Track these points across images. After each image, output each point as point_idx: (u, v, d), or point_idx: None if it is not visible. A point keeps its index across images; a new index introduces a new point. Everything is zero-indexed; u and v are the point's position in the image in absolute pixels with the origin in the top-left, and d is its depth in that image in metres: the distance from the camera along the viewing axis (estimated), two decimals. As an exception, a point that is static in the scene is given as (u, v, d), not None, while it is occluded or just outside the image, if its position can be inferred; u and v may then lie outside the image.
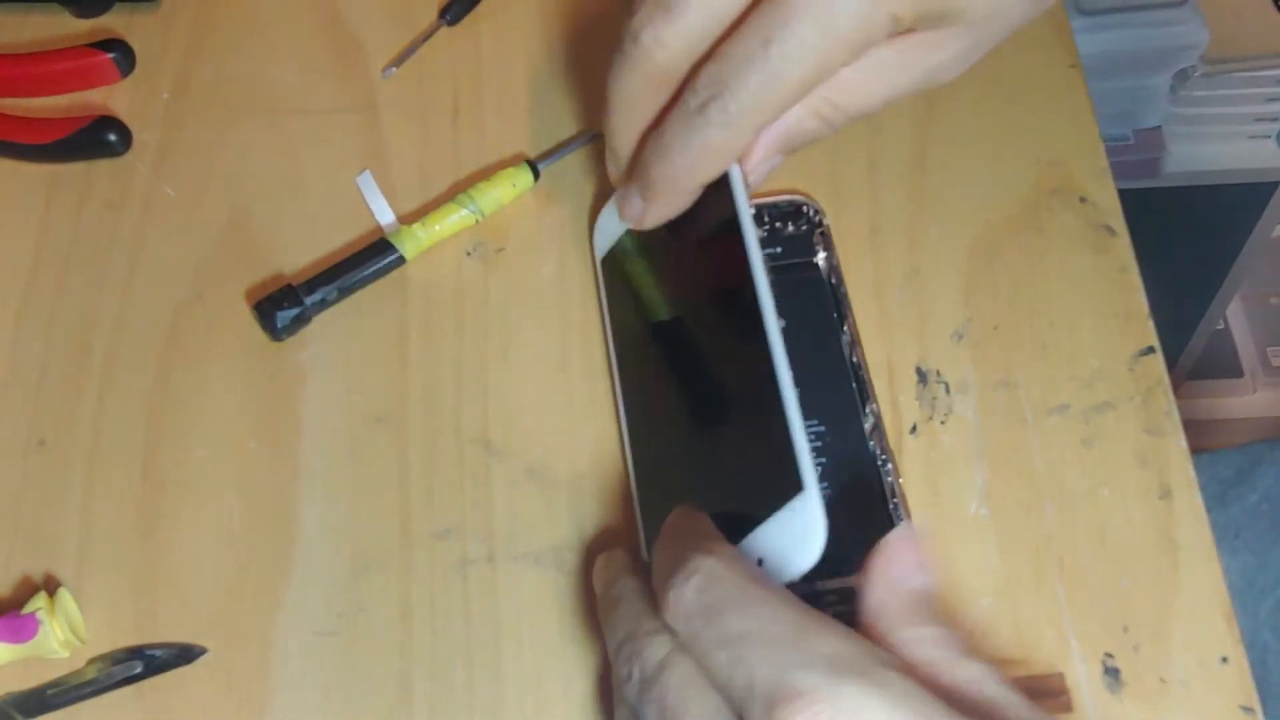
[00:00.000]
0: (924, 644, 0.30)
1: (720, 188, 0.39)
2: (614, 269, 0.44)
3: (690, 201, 0.39)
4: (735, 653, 0.29)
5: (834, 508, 0.35)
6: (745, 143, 0.37)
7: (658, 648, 0.31)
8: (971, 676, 0.30)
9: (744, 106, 0.36)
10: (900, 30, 0.36)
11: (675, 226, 0.41)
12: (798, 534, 0.33)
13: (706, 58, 0.37)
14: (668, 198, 0.39)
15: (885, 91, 0.39)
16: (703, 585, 0.31)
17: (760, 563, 0.34)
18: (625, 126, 0.39)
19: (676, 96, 0.38)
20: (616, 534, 0.40)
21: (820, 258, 0.43)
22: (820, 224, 0.44)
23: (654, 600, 0.33)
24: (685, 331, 0.41)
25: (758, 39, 0.35)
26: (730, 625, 0.30)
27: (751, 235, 0.38)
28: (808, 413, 0.37)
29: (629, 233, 0.42)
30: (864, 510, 0.39)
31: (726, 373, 0.39)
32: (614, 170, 0.41)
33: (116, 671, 0.38)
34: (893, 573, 0.32)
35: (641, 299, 0.42)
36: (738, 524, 0.35)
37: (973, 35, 0.38)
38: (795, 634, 0.29)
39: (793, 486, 0.34)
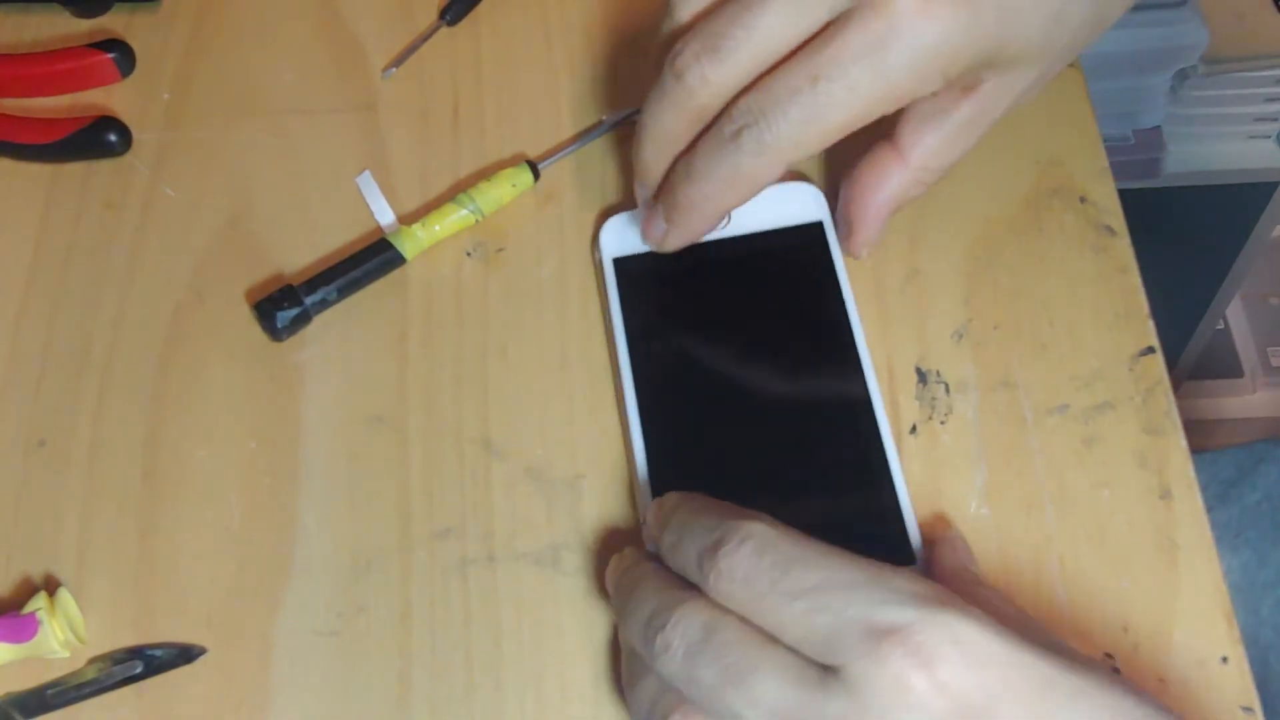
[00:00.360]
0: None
1: (813, 233, 0.42)
2: (640, 275, 0.43)
3: (712, 227, 0.40)
4: (816, 602, 0.30)
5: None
6: (775, 175, 0.37)
7: (698, 612, 0.32)
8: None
9: (780, 139, 0.36)
10: (951, 82, 0.37)
11: (757, 260, 0.41)
12: None
13: (745, 89, 0.37)
14: (692, 221, 0.39)
15: (968, 142, 0.40)
16: (759, 547, 0.31)
17: None
18: (658, 155, 0.39)
19: (710, 124, 0.38)
20: (616, 534, 0.40)
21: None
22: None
23: (674, 578, 0.34)
24: (755, 362, 0.41)
25: (806, 75, 0.35)
26: (802, 578, 0.31)
27: (848, 288, 0.42)
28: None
29: (690, 253, 0.42)
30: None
31: (816, 416, 0.40)
32: (643, 194, 0.41)
33: (116, 671, 0.38)
34: (952, 555, 0.35)
35: (696, 318, 0.42)
36: None
37: (1037, 69, 0.39)
38: (872, 578, 0.31)
39: (901, 555, 0.37)
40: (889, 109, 0.36)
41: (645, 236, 0.41)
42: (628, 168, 0.45)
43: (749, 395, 0.41)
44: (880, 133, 0.40)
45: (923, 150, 0.39)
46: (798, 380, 0.41)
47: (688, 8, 0.38)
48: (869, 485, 0.39)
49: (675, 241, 0.40)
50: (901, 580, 0.30)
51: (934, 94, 0.38)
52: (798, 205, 0.43)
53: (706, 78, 0.37)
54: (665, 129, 0.38)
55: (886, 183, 0.40)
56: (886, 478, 0.39)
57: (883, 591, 0.30)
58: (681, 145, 0.39)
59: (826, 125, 0.36)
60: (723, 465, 0.40)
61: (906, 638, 0.29)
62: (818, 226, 0.43)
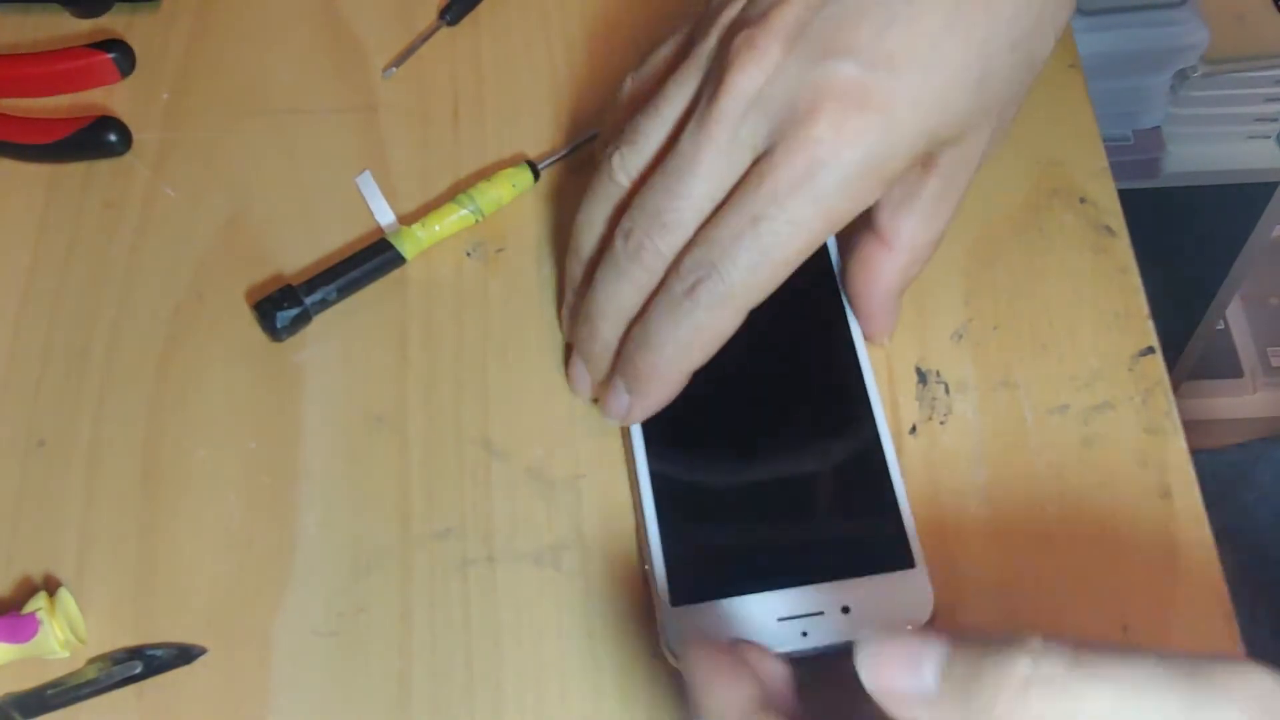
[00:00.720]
0: None
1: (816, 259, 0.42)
2: None
3: (677, 392, 0.39)
4: None
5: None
6: (734, 325, 0.37)
7: None
8: None
9: (734, 286, 0.36)
10: (904, 172, 0.37)
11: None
12: (902, 602, 0.37)
13: (688, 245, 0.37)
14: (657, 390, 0.38)
15: (947, 212, 0.40)
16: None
17: (846, 610, 0.36)
18: (615, 332, 0.39)
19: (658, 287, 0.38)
20: (616, 534, 0.40)
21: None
22: None
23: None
24: (753, 364, 0.41)
25: (746, 218, 0.35)
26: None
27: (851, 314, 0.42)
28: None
29: None
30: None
31: (820, 427, 0.40)
32: (582, 379, 0.41)
33: (116, 671, 0.38)
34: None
35: None
36: (818, 564, 0.37)
37: (985, 130, 0.38)
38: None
39: (901, 559, 0.37)
40: (834, 230, 0.36)
41: (608, 413, 0.40)
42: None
43: (748, 398, 0.41)
44: (863, 223, 0.40)
45: (906, 233, 0.39)
46: (797, 382, 0.41)
47: (626, 174, 0.39)
48: (869, 489, 0.39)
49: (642, 413, 0.39)
50: None
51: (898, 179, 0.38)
52: None
53: (660, 251, 0.37)
54: (622, 304, 0.38)
55: (881, 273, 0.40)
56: (886, 482, 0.39)
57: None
58: (633, 314, 0.38)
59: (776, 263, 0.36)
60: (722, 467, 0.40)
61: None
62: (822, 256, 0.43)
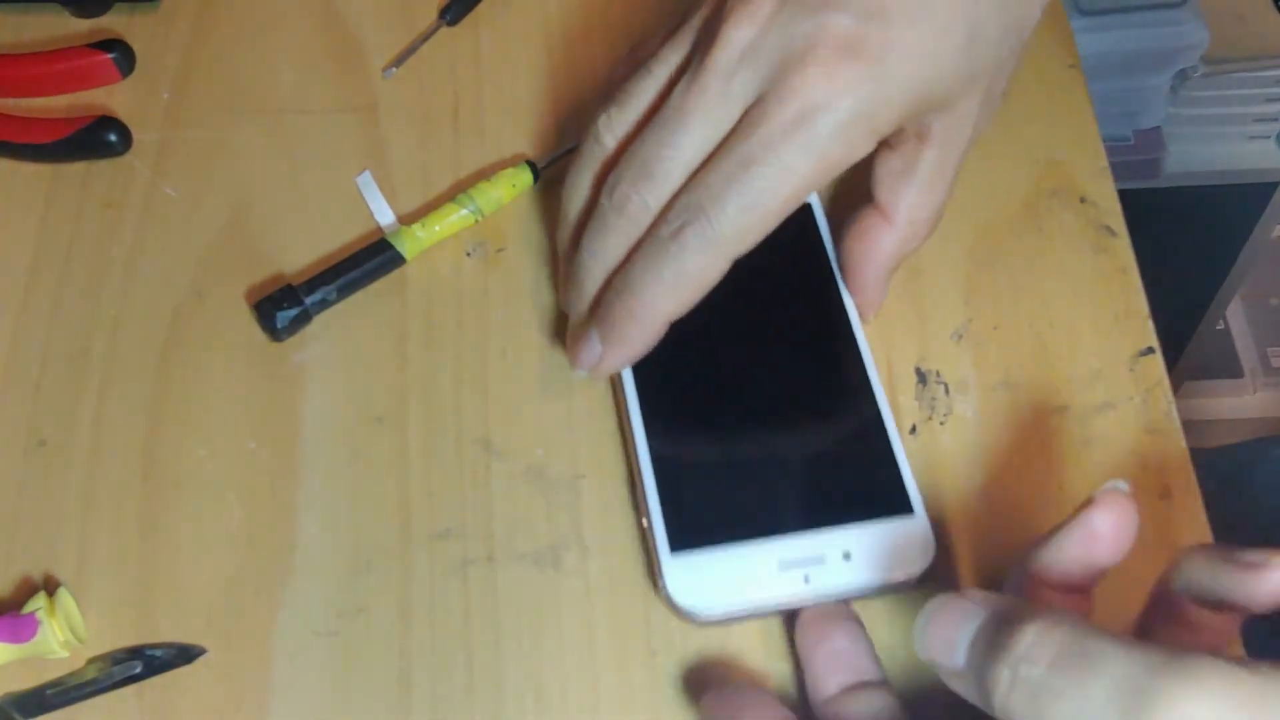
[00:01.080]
0: None
1: (805, 213, 0.43)
2: None
3: (651, 345, 0.38)
4: None
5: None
6: (720, 272, 0.37)
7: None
8: None
9: (721, 231, 0.36)
10: (897, 136, 0.37)
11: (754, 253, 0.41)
12: (902, 548, 0.37)
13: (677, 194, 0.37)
14: (631, 335, 0.37)
15: (944, 185, 0.40)
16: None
17: (847, 556, 0.37)
18: (597, 281, 0.39)
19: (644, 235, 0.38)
20: (616, 534, 0.40)
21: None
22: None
23: None
24: (753, 331, 0.41)
25: (738, 162, 0.35)
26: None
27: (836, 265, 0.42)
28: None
29: None
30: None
31: (813, 381, 0.41)
32: (574, 320, 0.40)
33: (116, 671, 0.38)
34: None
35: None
36: (818, 510, 0.37)
37: (975, 96, 0.39)
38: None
39: (900, 505, 0.38)
40: (824, 181, 0.36)
41: (577, 362, 0.39)
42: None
43: (738, 352, 0.41)
44: (863, 199, 0.40)
45: (905, 206, 0.40)
46: (788, 339, 0.41)
47: (613, 134, 0.39)
48: (864, 439, 0.39)
49: (611, 362, 0.38)
50: None
51: (895, 152, 0.39)
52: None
53: (646, 203, 0.37)
54: (607, 256, 0.38)
55: (879, 246, 0.40)
56: (881, 431, 0.39)
57: None
58: (616, 265, 0.38)
59: (766, 209, 0.36)
60: (716, 417, 0.40)
61: None
62: (806, 208, 0.44)
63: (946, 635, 0.29)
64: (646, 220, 0.37)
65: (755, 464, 0.39)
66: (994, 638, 0.27)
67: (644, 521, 0.38)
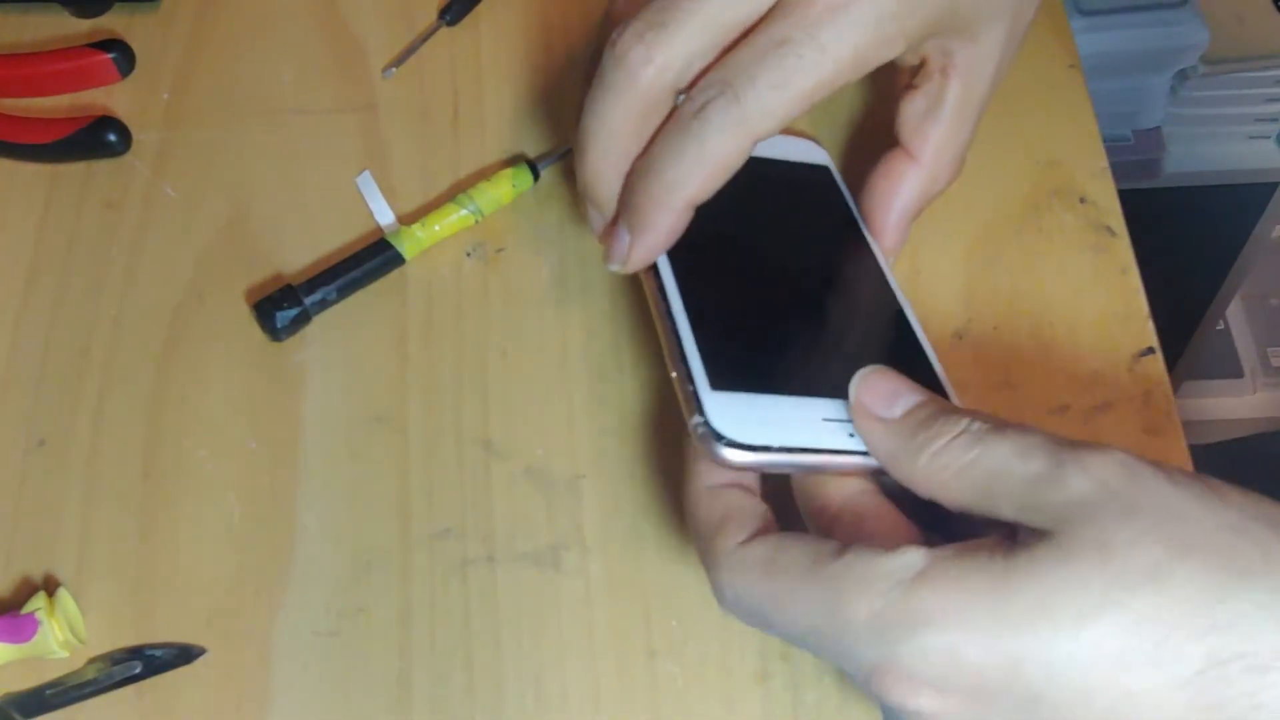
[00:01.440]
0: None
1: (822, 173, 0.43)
2: None
3: (680, 229, 0.36)
4: (809, 646, 0.32)
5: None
6: (745, 153, 0.35)
7: None
8: None
9: (748, 110, 0.34)
10: (920, 56, 0.38)
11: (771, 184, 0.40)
12: None
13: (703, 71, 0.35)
14: (656, 219, 0.36)
15: (969, 122, 0.40)
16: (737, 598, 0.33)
17: None
18: (608, 162, 0.36)
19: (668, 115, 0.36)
20: (616, 534, 0.40)
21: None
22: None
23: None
24: (778, 248, 0.41)
25: (772, 40, 0.34)
26: (787, 629, 0.32)
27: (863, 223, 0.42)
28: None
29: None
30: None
31: (846, 297, 0.41)
32: (597, 220, 0.38)
33: (116, 671, 0.38)
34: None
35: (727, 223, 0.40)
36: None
37: (1001, 26, 0.39)
38: (828, 622, 0.31)
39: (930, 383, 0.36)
40: (855, 75, 0.35)
41: (608, 259, 0.38)
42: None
43: (777, 271, 0.40)
44: (888, 143, 0.41)
45: (931, 143, 0.40)
46: (828, 282, 0.41)
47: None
48: (898, 343, 0.39)
49: (641, 254, 0.36)
50: (858, 606, 0.29)
51: (919, 91, 0.39)
52: (803, 150, 0.45)
53: (651, 57, 0.34)
54: (612, 127, 0.35)
55: (904, 185, 0.40)
56: (912, 337, 0.39)
57: (842, 638, 0.30)
58: (633, 148, 0.36)
59: (796, 92, 0.34)
60: (752, 297, 0.39)
61: (885, 676, 0.29)
62: (826, 172, 0.44)
63: (889, 391, 0.33)
64: (650, 78, 0.34)
65: (797, 344, 0.38)
66: (947, 411, 0.32)
67: (672, 374, 0.35)
